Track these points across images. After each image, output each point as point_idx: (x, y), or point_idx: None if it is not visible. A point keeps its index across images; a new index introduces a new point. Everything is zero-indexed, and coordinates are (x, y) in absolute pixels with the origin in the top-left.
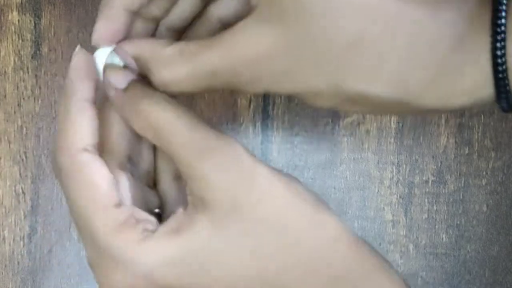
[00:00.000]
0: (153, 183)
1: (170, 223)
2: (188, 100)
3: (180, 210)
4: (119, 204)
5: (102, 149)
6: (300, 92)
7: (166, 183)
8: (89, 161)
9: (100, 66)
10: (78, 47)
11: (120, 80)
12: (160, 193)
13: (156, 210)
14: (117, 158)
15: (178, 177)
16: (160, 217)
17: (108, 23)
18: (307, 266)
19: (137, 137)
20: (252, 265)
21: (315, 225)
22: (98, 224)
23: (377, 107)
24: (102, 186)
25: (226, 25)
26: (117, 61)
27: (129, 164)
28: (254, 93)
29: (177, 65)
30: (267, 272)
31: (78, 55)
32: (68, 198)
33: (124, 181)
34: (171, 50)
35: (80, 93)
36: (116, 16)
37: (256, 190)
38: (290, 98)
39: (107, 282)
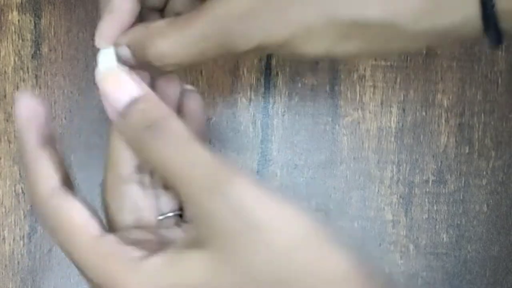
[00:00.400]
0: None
1: (167, 253)
2: None
3: (179, 242)
4: (100, 235)
5: (107, 164)
6: (293, 33)
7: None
8: (59, 204)
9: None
10: (18, 94)
11: (118, 97)
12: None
13: (174, 213)
14: (121, 172)
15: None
16: (181, 217)
17: (112, 22)
18: None
19: None
20: None
21: (320, 264)
22: (85, 262)
23: (372, 40)
24: (78, 224)
25: None
26: (114, 63)
27: (138, 173)
28: (248, 50)
29: (170, 34)
30: None
31: (18, 103)
32: (56, 242)
33: (125, 194)
34: (163, 23)
35: (31, 142)
36: (119, 14)
37: (260, 238)
38: (290, 97)
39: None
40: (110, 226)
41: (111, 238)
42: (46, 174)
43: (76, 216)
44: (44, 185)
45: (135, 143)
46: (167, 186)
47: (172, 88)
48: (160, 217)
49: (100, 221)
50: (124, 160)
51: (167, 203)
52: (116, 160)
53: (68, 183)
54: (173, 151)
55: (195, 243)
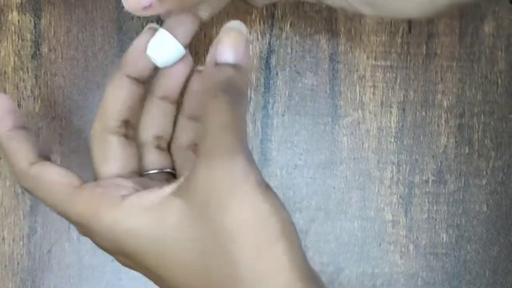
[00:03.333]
0: (166, 147)
1: (149, 195)
2: None
3: (164, 187)
4: (80, 185)
5: (97, 114)
6: None
7: (178, 150)
8: (38, 171)
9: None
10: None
11: (230, 52)
12: (173, 157)
13: (167, 170)
14: (107, 123)
15: (192, 149)
16: (175, 176)
17: None
18: None
19: (140, 106)
20: (199, 263)
21: (261, 255)
22: (69, 210)
23: None
24: (58, 181)
25: None
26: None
27: (125, 128)
28: None
29: None
30: (209, 277)
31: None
32: (43, 202)
33: (110, 143)
34: None
35: (4, 127)
36: None
37: (230, 201)
38: (290, 97)
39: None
40: (95, 177)
41: (91, 184)
42: (24, 150)
43: (55, 175)
44: (22, 159)
45: (210, 90)
46: (160, 146)
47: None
48: (149, 172)
49: (80, 177)
50: (114, 112)
51: (155, 161)
52: (105, 111)
53: (45, 158)
54: (229, 114)
55: (179, 192)
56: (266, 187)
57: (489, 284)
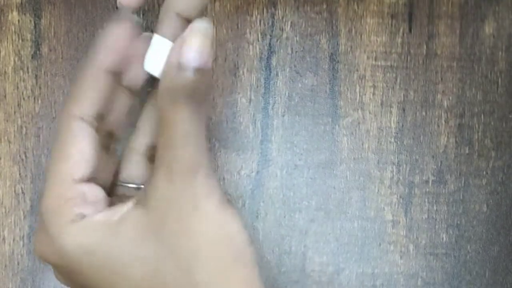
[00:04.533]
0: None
1: (109, 212)
2: None
3: (126, 204)
4: (78, 180)
5: (70, 100)
6: None
7: (134, 158)
8: (76, 130)
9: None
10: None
11: (194, 55)
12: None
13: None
14: (82, 109)
15: (148, 156)
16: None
17: None
18: None
19: (110, 98)
20: (148, 283)
21: (223, 276)
22: (48, 193)
23: None
24: (72, 158)
25: None
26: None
27: (99, 123)
28: None
29: None
30: None
31: (117, 23)
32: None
33: (82, 134)
34: None
35: (101, 62)
36: None
37: (191, 219)
38: (290, 97)
39: (38, 249)
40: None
41: (83, 188)
42: (88, 99)
43: (74, 152)
44: (78, 106)
45: (169, 95)
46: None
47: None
48: (128, 185)
49: (90, 169)
50: (90, 99)
51: (138, 174)
52: (80, 97)
53: (98, 121)
54: (188, 123)
55: (138, 204)
56: (228, 205)
57: (489, 284)
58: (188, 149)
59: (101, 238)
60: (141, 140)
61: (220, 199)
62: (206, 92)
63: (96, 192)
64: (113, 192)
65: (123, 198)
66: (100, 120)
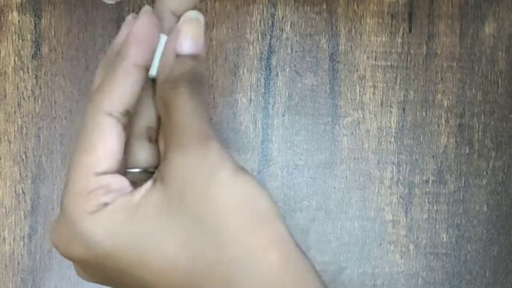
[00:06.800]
0: (155, 139)
1: (128, 197)
2: None
3: (144, 185)
4: (102, 173)
5: (101, 92)
6: None
7: (135, 142)
8: (104, 125)
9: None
10: (146, 7)
11: (188, 43)
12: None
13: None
14: (113, 107)
15: (148, 138)
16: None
17: None
18: (236, 270)
19: (139, 94)
20: (183, 255)
21: (250, 232)
22: (72, 186)
23: None
24: (98, 153)
25: None
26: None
27: (127, 118)
28: None
29: None
30: (195, 267)
31: (145, 17)
32: (74, 149)
33: (111, 131)
34: None
35: (134, 58)
36: None
37: (210, 187)
38: (290, 97)
39: (62, 247)
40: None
41: (105, 179)
42: (120, 93)
43: (100, 146)
44: (109, 101)
45: (169, 81)
46: (152, 137)
47: None
48: (133, 170)
49: (116, 164)
50: (122, 96)
51: (141, 158)
52: (112, 94)
53: (126, 119)
54: (192, 103)
55: (155, 185)
56: (243, 171)
57: (489, 284)
58: (196, 124)
59: (124, 220)
60: (139, 124)
61: (235, 166)
62: (203, 74)
63: (120, 181)
64: None
65: (133, 184)
66: (126, 116)
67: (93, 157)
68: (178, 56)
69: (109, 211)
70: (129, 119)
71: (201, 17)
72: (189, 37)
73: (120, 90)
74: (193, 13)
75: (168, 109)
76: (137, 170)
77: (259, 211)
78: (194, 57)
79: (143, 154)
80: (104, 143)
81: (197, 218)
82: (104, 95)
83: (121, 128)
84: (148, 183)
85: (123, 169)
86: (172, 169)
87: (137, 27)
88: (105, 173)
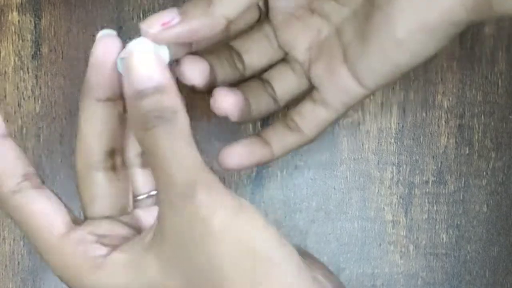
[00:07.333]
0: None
1: (128, 251)
2: (188, 101)
3: (142, 236)
4: (64, 234)
5: (76, 152)
6: None
7: (132, 170)
8: (22, 202)
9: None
10: (101, 32)
11: (142, 78)
12: None
13: (149, 194)
14: (91, 160)
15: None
16: None
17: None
18: None
19: (123, 127)
20: None
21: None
22: (51, 261)
23: None
24: (41, 225)
25: None
26: (151, 44)
27: (112, 159)
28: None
29: None
30: None
31: (103, 42)
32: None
33: (96, 183)
34: None
35: (95, 92)
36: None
37: (204, 242)
38: None
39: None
40: (84, 215)
41: (75, 236)
42: (11, 167)
43: (40, 216)
44: (7, 180)
45: (139, 124)
46: (145, 164)
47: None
48: (139, 197)
49: (67, 214)
50: (94, 147)
51: (145, 183)
52: (85, 148)
53: (32, 174)
54: (169, 145)
55: (154, 242)
56: (240, 210)
57: (489, 284)
58: (176, 172)
59: (127, 280)
60: (129, 154)
61: (229, 210)
62: (175, 102)
63: (112, 225)
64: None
65: (136, 219)
66: (112, 155)
67: (91, 210)
68: (138, 93)
69: (110, 267)
70: (120, 153)
71: (146, 43)
72: (140, 70)
73: (92, 136)
74: (135, 42)
75: (147, 154)
76: (141, 197)
77: (261, 258)
78: (155, 90)
79: (141, 181)
80: (96, 200)
81: (198, 276)
82: (80, 145)
83: (109, 174)
84: (149, 235)
85: (125, 210)
86: (165, 222)
87: (93, 58)
88: (65, 234)
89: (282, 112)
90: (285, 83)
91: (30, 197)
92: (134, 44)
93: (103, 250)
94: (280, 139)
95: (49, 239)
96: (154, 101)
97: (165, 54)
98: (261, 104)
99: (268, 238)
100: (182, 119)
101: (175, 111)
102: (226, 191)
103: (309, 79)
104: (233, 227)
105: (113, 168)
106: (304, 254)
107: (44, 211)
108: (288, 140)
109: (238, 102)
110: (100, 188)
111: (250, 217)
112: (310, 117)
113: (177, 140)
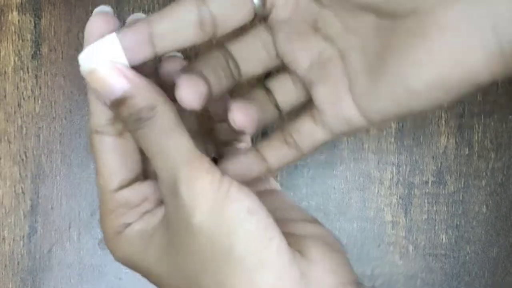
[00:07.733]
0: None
1: (146, 220)
2: None
3: (159, 212)
4: (116, 189)
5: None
6: None
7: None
8: (96, 144)
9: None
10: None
11: (107, 94)
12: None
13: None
14: (97, 122)
15: None
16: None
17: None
18: None
19: None
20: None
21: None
22: (101, 208)
23: None
24: (103, 173)
25: None
26: (97, 59)
27: (114, 126)
28: None
29: None
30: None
31: (97, 19)
32: None
33: (106, 148)
34: None
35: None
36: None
37: (185, 234)
38: None
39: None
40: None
41: (117, 198)
42: (101, 109)
43: (104, 164)
44: (94, 118)
45: (127, 128)
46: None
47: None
48: None
49: (127, 172)
50: (101, 112)
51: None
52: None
53: (115, 128)
54: (154, 142)
55: (163, 219)
56: (222, 201)
57: (488, 285)
58: (161, 170)
59: (136, 249)
60: None
61: (209, 205)
62: (151, 101)
63: (139, 192)
64: None
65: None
66: (114, 124)
67: (102, 178)
68: (111, 104)
69: (127, 236)
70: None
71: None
72: (99, 88)
73: (95, 106)
74: (84, 60)
75: (143, 151)
76: None
77: (235, 260)
78: (124, 97)
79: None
80: (102, 161)
81: (179, 269)
82: (90, 115)
83: (112, 139)
84: (160, 212)
85: (141, 177)
86: (166, 208)
87: (86, 34)
88: (120, 188)
89: (278, 126)
90: (286, 93)
91: (104, 144)
92: (84, 58)
93: (130, 218)
94: (277, 154)
95: (104, 189)
96: (129, 107)
97: (120, 57)
98: (267, 114)
99: (246, 236)
100: (162, 111)
101: (152, 107)
102: (210, 180)
103: (309, 94)
104: (211, 226)
105: (121, 135)
106: (305, 220)
107: (108, 163)
108: (285, 155)
109: (254, 116)
110: (111, 157)
111: (231, 211)
112: (309, 135)
113: (160, 135)
